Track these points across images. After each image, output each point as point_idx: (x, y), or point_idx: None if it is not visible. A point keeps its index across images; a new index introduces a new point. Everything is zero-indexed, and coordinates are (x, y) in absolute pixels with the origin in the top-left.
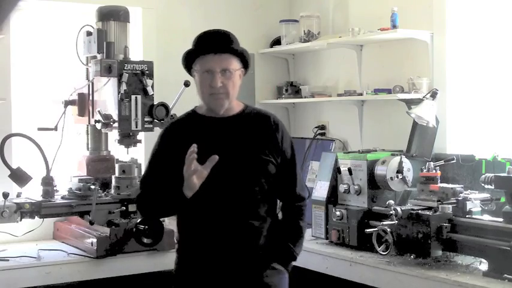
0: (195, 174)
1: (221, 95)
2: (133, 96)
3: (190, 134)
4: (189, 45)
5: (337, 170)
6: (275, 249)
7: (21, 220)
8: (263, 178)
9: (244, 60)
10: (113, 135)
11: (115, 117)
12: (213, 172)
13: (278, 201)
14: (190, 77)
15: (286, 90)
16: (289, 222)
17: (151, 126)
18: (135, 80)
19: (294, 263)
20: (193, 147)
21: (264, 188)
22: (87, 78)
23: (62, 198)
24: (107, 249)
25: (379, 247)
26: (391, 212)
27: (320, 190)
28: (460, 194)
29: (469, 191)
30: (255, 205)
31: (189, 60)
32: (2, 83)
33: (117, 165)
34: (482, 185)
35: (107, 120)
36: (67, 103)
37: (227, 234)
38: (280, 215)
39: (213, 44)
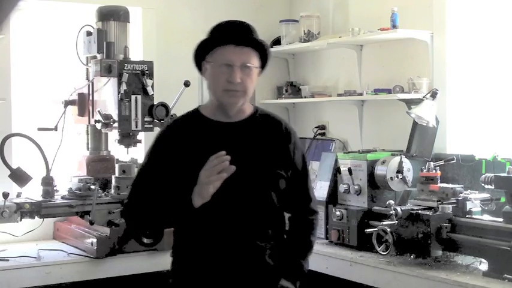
0: (213, 183)
1: (238, 92)
2: (133, 96)
3: (193, 139)
4: (189, 45)
5: (337, 170)
6: (283, 265)
7: (21, 220)
8: (273, 193)
9: (264, 58)
10: (113, 135)
11: (115, 117)
12: (221, 185)
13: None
14: (190, 77)
15: (286, 90)
16: (299, 237)
17: (151, 126)
18: (135, 80)
19: None
20: (223, 153)
21: (273, 203)
22: (87, 78)
23: (62, 198)
24: (107, 250)
25: (379, 247)
26: (391, 212)
27: (320, 190)
28: (460, 194)
29: (469, 191)
30: (264, 222)
31: (202, 50)
32: (2, 83)
33: (117, 165)
34: (482, 185)
35: (107, 120)
36: (67, 103)
37: (232, 252)
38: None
39: (234, 34)
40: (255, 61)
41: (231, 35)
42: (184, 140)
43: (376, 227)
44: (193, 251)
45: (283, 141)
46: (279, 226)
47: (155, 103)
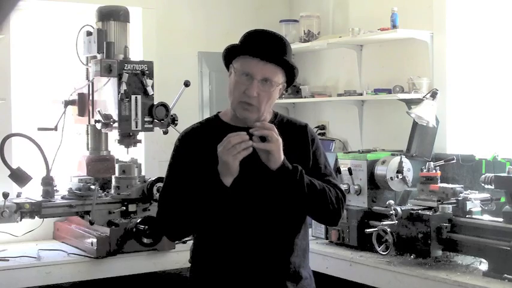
0: (233, 153)
1: (252, 106)
2: (133, 96)
3: (213, 144)
4: (189, 45)
5: (337, 170)
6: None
7: (21, 220)
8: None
9: (291, 75)
10: (113, 135)
11: (115, 117)
12: (240, 192)
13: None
14: (190, 77)
15: (286, 90)
16: (328, 186)
17: (151, 126)
18: (135, 80)
19: None
20: (243, 133)
21: (296, 211)
22: (87, 78)
23: (62, 198)
24: (107, 249)
25: (379, 247)
26: (391, 212)
27: None
28: (460, 194)
29: (469, 191)
30: (287, 230)
31: (231, 55)
32: (2, 83)
33: (117, 165)
34: (482, 185)
35: (107, 120)
36: (67, 103)
37: (253, 264)
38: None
39: (262, 49)
40: (278, 78)
41: (259, 48)
42: (204, 145)
43: (376, 227)
44: (213, 261)
45: (308, 147)
46: (302, 235)
47: (155, 103)
